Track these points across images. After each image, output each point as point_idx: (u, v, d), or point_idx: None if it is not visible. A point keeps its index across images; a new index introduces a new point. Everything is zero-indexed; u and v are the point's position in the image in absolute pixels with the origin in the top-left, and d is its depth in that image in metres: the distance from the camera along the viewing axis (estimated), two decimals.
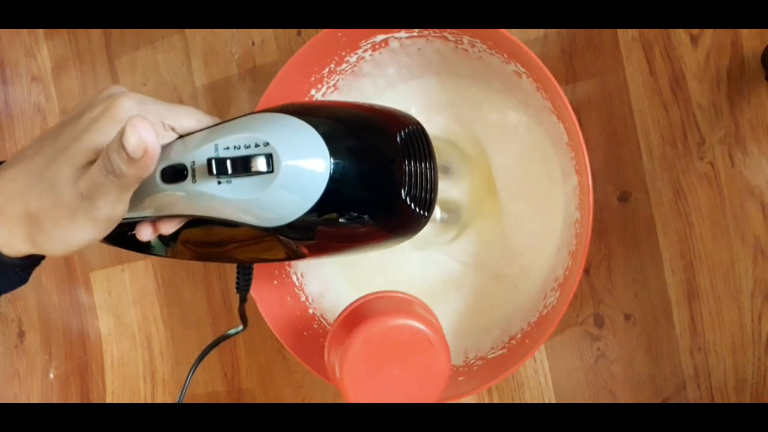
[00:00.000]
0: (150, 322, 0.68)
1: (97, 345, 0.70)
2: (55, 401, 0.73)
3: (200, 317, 0.65)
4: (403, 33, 0.49)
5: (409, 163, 0.37)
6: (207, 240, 0.43)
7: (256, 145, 0.34)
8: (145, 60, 0.66)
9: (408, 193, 0.37)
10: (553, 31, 0.51)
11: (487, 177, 0.52)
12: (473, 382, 0.46)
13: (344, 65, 0.52)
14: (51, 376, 0.73)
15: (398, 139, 0.37)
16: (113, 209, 0.35)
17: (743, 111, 0.46)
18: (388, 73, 0.53)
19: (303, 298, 0.54)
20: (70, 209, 0.34)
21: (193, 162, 0.35)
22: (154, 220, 0.39)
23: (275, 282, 0.53)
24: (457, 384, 0.48)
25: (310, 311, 0.54)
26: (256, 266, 0.47)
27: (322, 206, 0.35)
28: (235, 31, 0.62)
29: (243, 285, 0.46)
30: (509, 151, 0.51)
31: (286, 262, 0.54)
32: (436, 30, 0.48)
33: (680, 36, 0.48)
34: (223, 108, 0.63)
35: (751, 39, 0.46)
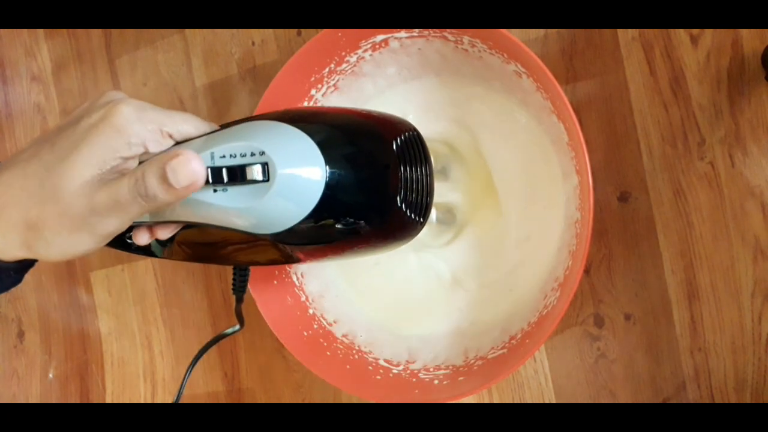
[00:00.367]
0: (150, 322, 0.68)
1: (97, 345, 0.70)
2: (54, 401, 0.72)
3: (200, 317, 0.65)
4: (403, 33, 0.49)
5: (405, 169, 0.37)
6: (203, 242, 0.43)
7: (252, 154, 0.34)
8: (145, 60, 0.66)
9: (403, 200, 0.37)
10: (553, 31, 0.51)
11: (486, 178, 0.52)
12: (473, 382, 0.46)
13: (344, 65, 0.52)
14: (50, 376, 0.73)
15: (394, 147, 0.37)
16: (121, 226, 0.36)
17: (743, 111, 0.46)
18: (388, 73, 0.53)
19: (303, 298, 0.54)
20: (75, 222, 0.34)
21: None
22: (151, 225, 0.39)
23: (275, 282, 0.53)
24: (457, 384, 0.48)
25: (310, 311, 0.54)
26: (255, 267, 0.47)
27: (317, 214, 0.35)
28: (235, 31, 0.62)
29: (239, 286, 0.46)
30: (509, 151, 0.51)
31: None
32: (436, 30, 0.48)
33: (680, 36, 0.48)
34: (223, 108, 0.63)
35: (751, 39, 0.46)
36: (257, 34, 0.61)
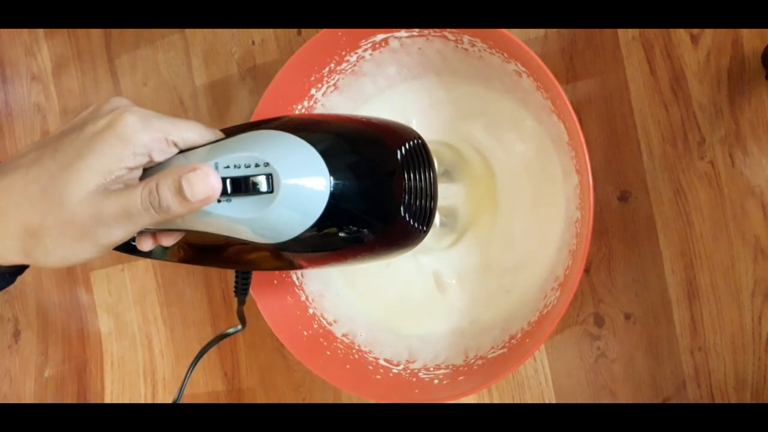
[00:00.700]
0: (150, 321, 0.68)
1: (97, 344, 0.70)
2: (49, 402, 0.72)
3: (200, 317, 0.65)
4: (403, 32, 0.49)
5: (409, 179, 0.37)
6: (206, 247, 0.43)
7: (257, 165, 0.34)
8: (146, 59, 0.66)
9: (407, 210, 0.37)
10: (554, 30, 0.51)
11: (487, 179, 0.52)
12: (473, 381, 0.46)
13: (344, 65, 0.52)
14: (46, 375, 0.72)
15: (399, 156, 0.37)
16: (126, 237, 0.35)
17: (744, 110, 0.46)
18: (388, 73, 0.53)
19: (303, 298, 0.54)
20: (79, 231, 0.34)
21: None
22: (155, 233, 0.39)
23: (275, 282, 0.53)
24: (457, 383, 0.48)
25: (310, 311, 0.54)
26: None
27: (322, 224, 0.35)
28: (235, 30, 0.62)
29: (241, 289, 0.46)
30: (509, 151, 0.51)
31: None
32: (436, 30, 0.48)
33: (680, 35, 0.48)
34: (223, 107, 0.63)
35: (751, 38, 0.46)
36: (257, 34, 0.61)
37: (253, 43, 0.61)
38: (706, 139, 0.47)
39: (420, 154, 0.39)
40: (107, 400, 0.70)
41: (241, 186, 0.34)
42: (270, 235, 0.36)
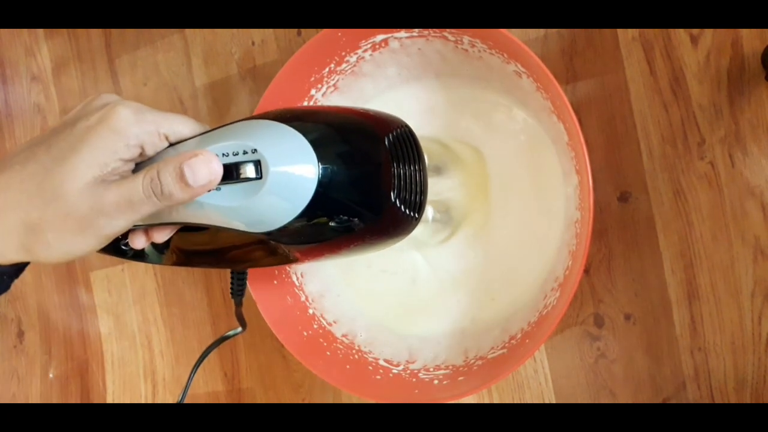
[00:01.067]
0: (150, 321, 0.68)
1: (97, 345, 0.70)
2: (54, 401, 0.72)
3: (200, 317, 0.65)
4: (403, 33, 0.49)
5: (398, 165, 0.37)
6: (199, 247, 0.43)
7: (245, 152, 0.34)
8: (145, 60, 0.66)
9: (397, 196, 0.37)
10: (554, 30, 0.51)
11: (484, 177, 0.52)
12: (473, 382, 0.47)
13: (344, 65, 0.52)
14: (51, 376, 0.73)
15: (386, 143, 0.37)
16: (126, 227, 0.36)
17: (743, 111, 0.46)
18: (388, 74, 0.53)
19: (303, 298, 0.54)
20: (80, 223, 0.34)
21: None
22: (147, 229, 0.40)
23: (275, 282, 0.53)
24: (457, 384, 0.48)
25: (310, 311, 0.54)
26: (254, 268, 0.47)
27: (311, 211, 0.35)
28: (235, 30, 0.62)
29: (237, 290, 0.46)
30: (509, 151, 0.51)
31: None
32: (436, 30, 0.48)
33: (680, 36, 0.48)
34: (223, 107, 0.63)
35: (751, 39, 0.46)
36: (257, 34, 0.61)
37: (253, 43, 0.61)
38: (706, 140, 0.47)
39: (408, 141, 0.39)
40: (109, 400, 0.70)
41: (230, 173, 0.34)
42: (260, 224, 0.36)
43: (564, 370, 0.51)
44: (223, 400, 0.64)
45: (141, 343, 0.68)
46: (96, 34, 0.69)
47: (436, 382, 0.49)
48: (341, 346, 0.53)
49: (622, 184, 0.50)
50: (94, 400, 0.71)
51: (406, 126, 0.40)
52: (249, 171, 0.34)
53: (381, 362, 0.52)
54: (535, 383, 0.52)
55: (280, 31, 0.60)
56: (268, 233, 0.36)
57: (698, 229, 0.48)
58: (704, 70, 0.47)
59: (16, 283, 0.40)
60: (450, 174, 0.52)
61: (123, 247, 0.42)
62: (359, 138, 0.38)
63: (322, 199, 0.35)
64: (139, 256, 0.44)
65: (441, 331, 0.53)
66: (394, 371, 0.51)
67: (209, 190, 0.35)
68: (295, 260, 0.41)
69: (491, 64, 0.48)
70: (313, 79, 0.52)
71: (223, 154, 0.35)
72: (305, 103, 0.53)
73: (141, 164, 0.36)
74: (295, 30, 0.59)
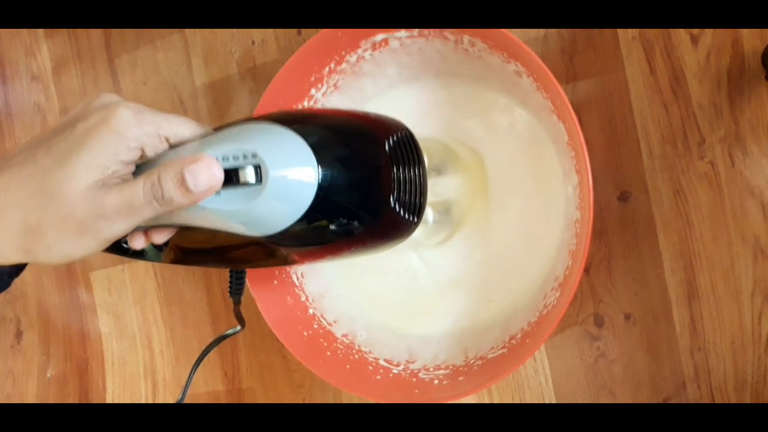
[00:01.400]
0: (150, 321, 0.68)
1: (97, 344, 0.70)
2: (51, 401, 0.72)
3: (200, 316, 0.65)
4: (403, 32, 0.49)
5: (398, 169, 0.37)
6: (198, 246, 0.43)
7: (245, 156, 0.34)
8: (145, 59, 0.66)
9: (397, 200, 0.37)
10: (554, 30, 0.51)
11: (484, 177, 0.52)
12: (473, 381, 0.47)
13: (344, 65, 0.52)
14: (48, 375, 0.73)
15: (386, 147, 0.37)
16: (127, 230, 0.35)
17: (743, 111, 0.46)
18: (388, 73, 0.53)
19: (303, 298, 0.54)
20: (80, 226, 0.34)
21: None
22: (146, 230, 0.40)
23: (275, 282, 0.53)
24: (457, 384, 0.48)
25: (311, 311, 0.54)
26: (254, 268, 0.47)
27: (311, 215, 0.35)
28: (235, 30, 0.62)
29: (236, 289, 0.46)
30: (509, 151, 0.51)
31: None
32: (436, 30, 0.48)
33: (680, 36, 0.48)
34: (223, 107, 0.63)
35: (751, 39, 0.46)
36: (257, 34, 0.61)
37: (253, 43, 0.61)
38: (706, 139, 0.47)
39: (408, 145, 0.39)
40: (108, 399, 0.70)
41: (230, 178, 0.34)
42: (260, 228, 0.36)
43: (564, 370, 0.52)
44: (223, 400, 0.64)
45: (141, 343, 0.68)
46: (96, 33, 0.69)
47: (436, 381, 0.49)
48: (341, 346, 0.53)
49: (622, 183, 0.49)
50: (93, 400, 0.71)
51: (407, 129, 0.40)
52: (249, 176, 0.34)
53: (381, 362, 0.52)
54: (535, 383, 0.52)
55: (280, 31, 0.60)
56: (268, 237, 0.36)
57: (698, 229, 0.48)
58: (704, 70, 0.47)
59: (17, 283, 0.40)
60: (450, 175, 0.52)
61: (123, 245, 0.42)
62: (360, 142, 0.38)
63: (323, 203, 0.35)
64: (138, 253, 0.44)
65: (441, 331, 0.53)
66: (394, 371, 0.51)
67: (211, 194, 0.35)
68: (294, 262, 0.41)
69: (491, 64, 0.48)
70: (313, 78, 0.52)
71: (224, 158, 0.35)
72: (305, 103, 0.53)
73: (141, 165, 0.36)
74: (295, 30, 0.59)
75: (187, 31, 0.64)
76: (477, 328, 0.52)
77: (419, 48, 0.51)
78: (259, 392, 0.63)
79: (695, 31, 0.47)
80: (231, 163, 0.34)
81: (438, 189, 0.52)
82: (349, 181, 0.36)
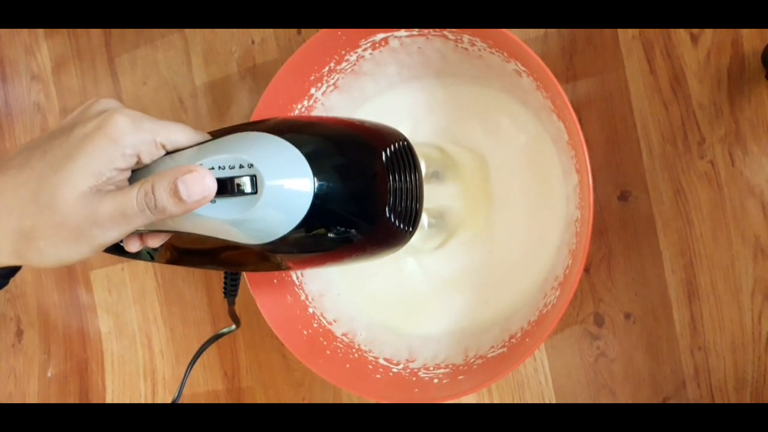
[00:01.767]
0: (150, 320, 0.68)
1: (97, 344, 0.70)
2: (52, 401, 0.72)
3: (200, 316, 0.65)
4: (402, 32, 0.49)
5: (394, 180, 0.38)
6: (193, 248, 0.43)
7: (241, 166, 0.35)
8: (145, 59, 0.66)
9: (392, 211, 0.38)
10: (554, 30, 0.51)
11: (483, 179, 0.52)
12: (473, 381, 0.47)
13: (344, 64, 0.52)
14: (49, 375, 0.73)
15: (383, 157, 0.38)
16: (120, 237, 0.36)
17: (743, 110, 0.46)
18: (388, 73, 0.53)
19: (303, 297, 0.54)
20: (74, 232, 0.34)
21: None
22: (142, 234, 0.40)
23: (275, 281, 0.53)
24: (457, 383, 0.48)
25: (310, 310, 0.54)
26: None
27: (306, 225, 0.35)
28: (235, 30, 0.62)
29: (230, 290, 0.46)
30: (509, 150, 0.51)
31: None
32: (436, 29, 0.48)
33: (680, 35, 0.48)
34: (223, 107, 0.63)
35: (751, 38, 0.46)
36: (257, 33, 0.61)
37: (253, 42, 0.61)
38: (706, 139, 0.47)
39: (405, 156, 0.39)
40: (108, 399, 0.70)
41: (226, 187, 0.34)
42: (255, 236, 0.36)
43: (564, 369, 0.52)
44: (223, 399, 0.64)
45: (141, 343, 0.68)
46: (96, 33, 0.69)
47: (436, 381, 0.49)
48: (341, 345, 0.53)
49: (622, 183, 0.49)
50: (93, 400, 0.71)
51: (405, 140, 0.40)
52: (245, 186, 0.34)
53: (381, 361, 0.52)
54: (535, 382, 0.52)
55: (280, 31, 0.60)
56: (263, 245, 0.36)
57: (698, 228, 0.48)
58: (704, 69, 0.47)
59: (16, 281, 0.40)
60: (448, 181, 0.52)
61: (120, 243, 0.42)
62: (356, 152, 0.38)
63: (318, 213, 0.35)
64: (132, 255, 0.44)
65: (441, 330, 0.53)
66: (394, 370, 0.51)
67: (203, 205, 0.35)
68: (288, 268, 0.41)
69: (491, 63, 0.48)
70: (313, 78, 0.52)
71: (219, 167, 0.35)
72: (305, 102, 0.53)
73: (136, 171, 0.36)
74: (295, 30, 0.59)
75: (187, 30, 0.64)
76: (477, 328, 0.52)
77: (419, 47, 0.51)
78: (258, 391, 0.63)
79: (695, 30, 0.47)
80: (227, 173, 0.35)
81: (435, 196, 0.52)
82: (345, 191, 0.37)
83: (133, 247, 0.40)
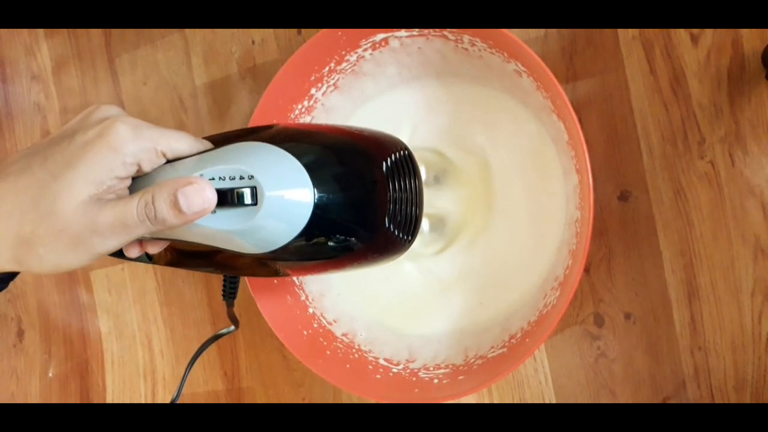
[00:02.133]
0: (150, 320, 0.68)
1: (97, 344, 0.70)
2: (54, 401, 0.73)
3: (200, 316, 0.65)
4: (403, 32, 0.49)
5: (394, 190, 0.38)
6: (193, 251, 0.43)
7: (241, 177, 0.35)
8: (145, 59, 0.66)
9: (391, 221, 0.38)
10: (554, 30, 0.51)
11: (483, 181, 0.52)
12: (473, 381, 0.47)
13: (344, 64, 0.52)
14: (50, 375, 0.73)
15: (384, 168, 0.38)
16: (120, 246, 0.36)
17: (743, 110, 0.46)
18: (388, 73, 0.53)
19: (303, 297, 0.54)
20: (73, 240, 0.34)
21: None
22: (141, 241, 0.40)
23: (275, 281, 0.53)
24: (457, 383, 0.48)
25: (310, 310, 0.54)
26: None
27: (306, 235, 0.36)
28: (235, 30, 0.62)
29: (229, 292, 0.47)
30: (509, 150, 0.51)
31: None
32: (436, 29, 0.48)
33: (680, 35, 0.48)
34: (223, 107, 0.63)
35: (751, 38, 0.46)
36: (257, 33, 0.61)
37: (253, 42, 0.61)
38: (706, 139, 0.47)
39: (406, 165, 0.39)
40: (109, 399, 0.70)
41: (226, 198, 0.35)
42: (255, 246, 0.36)
43: (564, 370, 0.52)
44: (223, 400, 0.64)
45: (141, 343, 0.68)
46: (96, 33, 0.69)
47: (436, 381, 0.49)
48: (341, 345, 0.53)
49: (622, 183, 0.49)
50: (93, 400, 0.71)
51: (405, 149, 0.40)
52: (245, 197, 0.34)
53: (381, 361, 0.52)
54: (535, 382, 0.52)
55: (280, 31, 0.60)
56: (262, 254, 0.36)
57: (698, 229, 0.48)
58: (704, 70, 0.47)
59: (16, 282, 0.40)
60: (448, 186, 0.52)
61: None
62: (356, 162, 0.38)
63: (318, 223, 0.35)
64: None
65: (441, 330, 0.53)
66: (394, 370, 0.51)
67: (203, 216, 0.35)
68: (286, 275, 0.42)
69: (491, 64, 0.48)
70: (313, 78, 0.52)
71: (220, 178, 0.35)
72: (305, 103, 0.53)
73: (137, 179, 0.37)
74: (295, 30, 0.59)
75: (187, 30, 0.64)
76: (477, 328, 0.52)
77: (419, 47, 0.51)
78: (258, 391, 0.63)
79: (695, 30, 0.47)
80: (227, 184, 0.35)
81: (436, 201, 0.52)
82: (345, 202, 0.37)
83: (132, 253, 0.40)
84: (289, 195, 0.35)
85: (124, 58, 0.68)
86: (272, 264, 0.39)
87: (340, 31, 0.49)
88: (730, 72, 0.47)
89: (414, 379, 0.50)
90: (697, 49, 0.47)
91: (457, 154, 0.53)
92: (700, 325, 0.48)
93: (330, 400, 0.60)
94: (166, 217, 0.34)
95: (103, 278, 0.70)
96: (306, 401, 0.61)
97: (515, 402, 0.53)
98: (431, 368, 0.51)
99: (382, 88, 0.55)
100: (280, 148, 0.36)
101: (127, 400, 0.69)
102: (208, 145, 0.38)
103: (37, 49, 0.72)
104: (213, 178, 0.35)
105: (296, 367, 0.61)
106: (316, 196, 0.35)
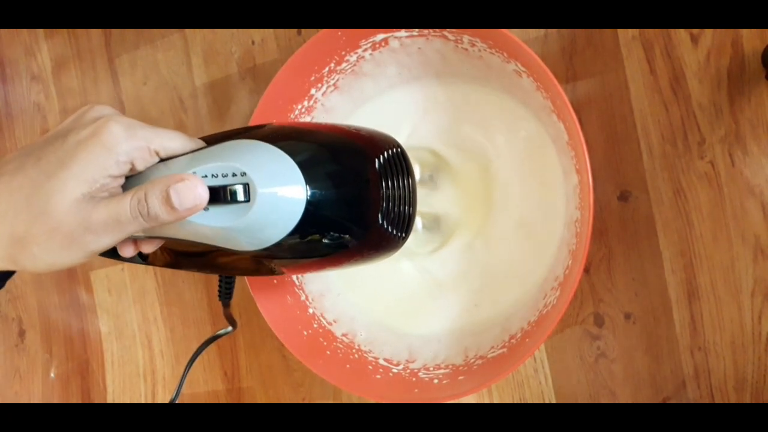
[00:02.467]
0: (150, 321, 0.68)
1: (97, 344, 0.70)
2: (56, 401, 0.73)
3: (200, 316, 0.65)
4: (402, 32, 0.49)
5: (387, 187, 0.38)
6: (187, 251, 0.43)
7: (234, 174, 0.35)
8: (145, 59, 0.66)
9: (385, 218, 0.38)
10: (554, 30, 0.51)
11: (482, 180, 0.52)
12: (473, 381, 0.47)
13: (344, 64, 0.52)
14: (52, 375, 0.73)
15: (377, 165, 0.38)
16: (113, 243, 0.36)
17: (743, 110, 0.46)
18: (388, 73, 0.53)
19: (303, 298, 0.54)
20: (67, 239, 0.34)
21: None
22: (136, 240, 0.40)
23: (275, 281, 0.53)
24: (457, 383, 0.48)
25: (310, 310, 0.54)
26: None
27: (299, 232, 0.36)
28: (235, 30, 0.62)
29: (225, 293, 0.47)
30: (509, 151, 0.51)
31: None
32: (436, 29, 0.48)
33: (680, 35, 0.48)
34: (223, 107, 0.63)
35: (751, 38, 0.46)
36: (257, 34, 0.61)
37: (253, 42, 0.61)
38: (706, 139, 0.47)
39: (399, 163, 0.39)
40: (109, 399, 0.70)
41: (218, 195, 0.35)
42: (248, 243, 0.36)
43: (564, 370, 0.52)
44: (223, 400, 0.64)
45: (141, 343, 0.68)
46: (96, 33, 0.69)
47: (436, 381, 0.49)
48: (341, 346, 0.53)
49: (622, 183, 0.49)
50: (94, 400, 0.71)
51: (399, 146, 0.40)
52: (237, 194, 0.34)
53: (381, 361, 0.52)
54: (535, 382, 0.52)
55: (280, 31, 0.60)
56: (255, 252, 0.36)
57: (698, 229, 0.48)
58: (704, 70, 0.47)
59: (16, 282, 0.40)
60: (444, 185, 0.53)
61: (114, 248, 0.42)
62: (349, 159, 0.38)
63: (311, 220, 0.36)
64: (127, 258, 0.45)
65: (441, 331, 0.53)
66: (394, 370, 0.51)
67: (195, 213, 0.35)
68: (281, 273, 0.42)
69: (491, 64, 0.48)
70: (313, 78, 0.52)
71: (212, 176, 0.35)
72: (305, 103, 0.53)
73: (131, 178, 0.37)
74: (295, 30, 0.59)
75: (187, 31, 0.64)
76: (477, 328, 0.52)
77: (419, 48, 0.51)
78: (258, 392, 0.63)
79: (695, 31, 0.47)
80: (219, 181, 0.35)
81: (430, 200, 0.52)
82: (338, 199, 0.37)
83: (127, 252, 0.40)
84: (281, 192, 0.35)
85: (124, 59, 0.68)
86: (267, 262, 0.39)
87: (340, 32, 0.49)
88: (730, 72, 0.47)
89: (414, 379, 0.50)
90: (697, 49, 0.47)
91: (456, 154, 0.53)
92: (700, 325, 0.48)
93: (330, 400, 0.60)
94: (159, 213, 0.34)
95: (103, 278, 0.70)
96: (306, 401, 0.61)
97: (515, 402, 0.53)
98: (431, 368, 0.51)
99: (382, 88, 0.55)
100: (272, 146, 0.36)
101: (127, 400, 0.69)
102: (202, 143, 0.38)
103: (37, 49, 0.72)
104: (206, 176, 0.35)
105: (296, 367, 0.61)
106: (309, 193, 0.35)
